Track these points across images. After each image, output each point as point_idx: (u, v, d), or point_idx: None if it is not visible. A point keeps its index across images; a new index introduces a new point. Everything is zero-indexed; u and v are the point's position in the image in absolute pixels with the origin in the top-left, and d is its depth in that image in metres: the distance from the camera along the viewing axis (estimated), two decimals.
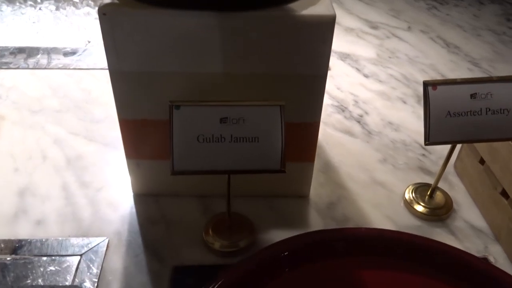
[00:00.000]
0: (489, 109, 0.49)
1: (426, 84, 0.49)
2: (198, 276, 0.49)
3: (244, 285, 0.43)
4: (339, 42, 0.97)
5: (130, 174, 0.57)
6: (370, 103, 0.80)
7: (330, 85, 0.84)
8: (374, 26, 1.04)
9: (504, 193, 0.53)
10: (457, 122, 0.49)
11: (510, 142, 0.51)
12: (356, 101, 0.80)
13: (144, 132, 0.52)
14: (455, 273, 0.44)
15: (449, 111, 0.49)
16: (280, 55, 0.47)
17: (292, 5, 0.45)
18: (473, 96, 0.49)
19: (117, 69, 0.47)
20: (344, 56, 0.93)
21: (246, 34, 0.45)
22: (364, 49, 0.96)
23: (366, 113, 0.77)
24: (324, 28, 0.45)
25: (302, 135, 0.53)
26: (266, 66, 0.48)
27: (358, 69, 0.89)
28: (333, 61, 0.91)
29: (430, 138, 0.49)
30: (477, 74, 0.89)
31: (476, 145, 0.58)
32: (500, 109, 0.49)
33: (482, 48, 0.98)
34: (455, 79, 0.49)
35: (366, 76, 0.87)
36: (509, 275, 0.44)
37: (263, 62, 0.47)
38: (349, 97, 0.81)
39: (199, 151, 0.43)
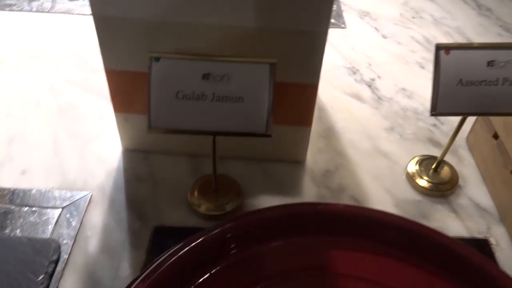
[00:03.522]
0: (507, 80, 0.43)
1: (438, 48, 0.44)
2: (179, 237, 0.47)
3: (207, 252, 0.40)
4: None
5: (118, 129, 0.54)
6: (385, 66, 0.74)
7: (344, 44, 0.78)
8: None
9: None
10: (469, 92, 0.44)
11: None
12: (370, 63, 0.75)
13: (132, 85, 0.49)
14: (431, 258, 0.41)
15: (461, 79, 0.44)
16: (278, 7, 0.42)
17: None
18: (490, 63, 0.43)
19: (100, 12, 0.44)
20: (364, 14, 0.86)
21: None
22: (386, 8, 0.89)
23: (379, 77, 0.72)
24: None
25: (298, 97, 0.49)
26: (261, 20, 0.43)
27: (376, 29, 0.83)
28: (351, 19, 0.85)
29: (437, 108, 0.45)
30: (507, 40, 0.82)
31: (492, 118, 0.53)
32: None
33: None
34: (472, 43, 0.44)
35: (384, 36, 0.81)
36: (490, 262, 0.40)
37: (258, 15, 0.43)
38: (363, 58, 0.76)
39: (178, 108, 0.40)
